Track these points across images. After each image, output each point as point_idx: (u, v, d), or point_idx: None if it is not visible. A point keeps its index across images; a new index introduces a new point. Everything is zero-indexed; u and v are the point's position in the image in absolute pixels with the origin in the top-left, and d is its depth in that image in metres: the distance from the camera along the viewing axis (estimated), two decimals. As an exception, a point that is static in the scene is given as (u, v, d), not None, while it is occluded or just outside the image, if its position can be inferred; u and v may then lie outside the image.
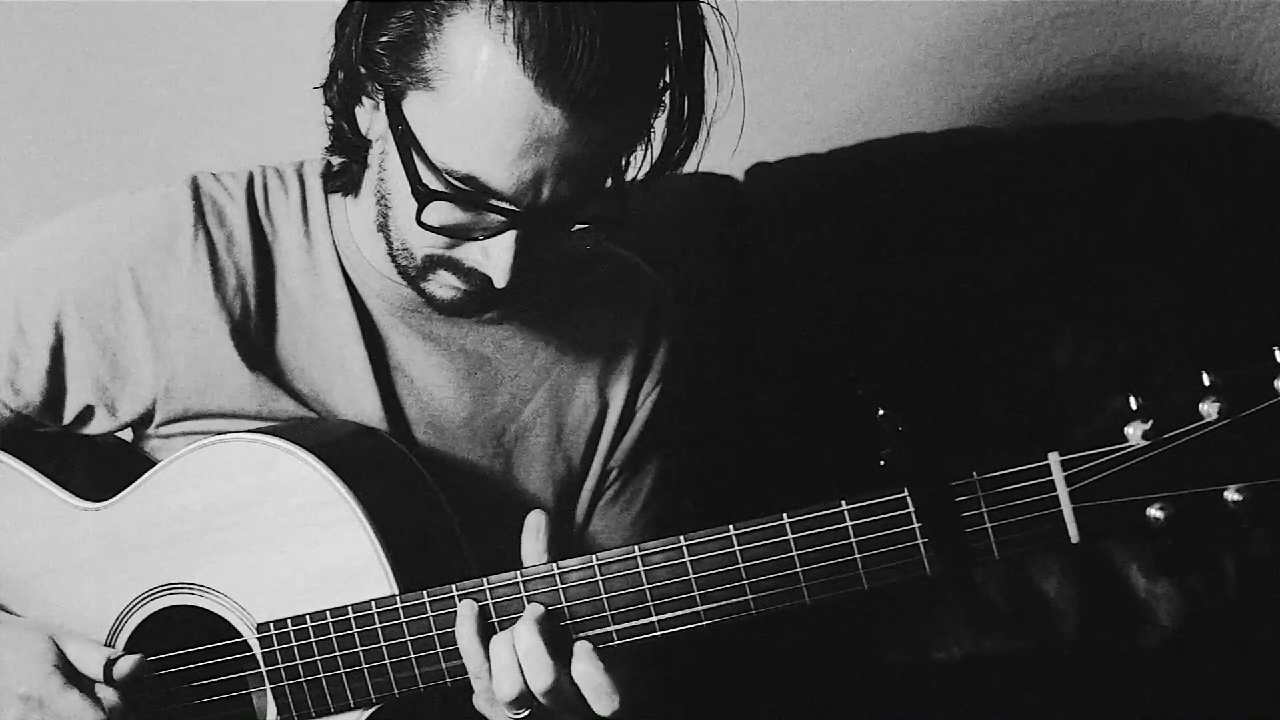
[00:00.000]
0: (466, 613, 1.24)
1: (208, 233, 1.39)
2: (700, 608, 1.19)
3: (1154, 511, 1.06)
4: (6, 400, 1.42)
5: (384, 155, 1.31)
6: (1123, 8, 2.12)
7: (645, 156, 1.32)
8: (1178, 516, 1.05)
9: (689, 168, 1.34)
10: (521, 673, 1.21)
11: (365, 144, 1.34)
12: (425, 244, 1.30)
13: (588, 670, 1.20)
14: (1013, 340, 1.89)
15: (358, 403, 1.41)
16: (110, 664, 1.33)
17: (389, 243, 1.34)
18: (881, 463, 1.07)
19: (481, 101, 1.19)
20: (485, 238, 1.26)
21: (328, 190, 1.43)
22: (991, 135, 2.03)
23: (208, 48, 2.14)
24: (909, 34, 2.13)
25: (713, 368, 1.87)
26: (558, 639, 1.22)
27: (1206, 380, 1.06)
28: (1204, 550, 1.04)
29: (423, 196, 1.24)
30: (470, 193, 1.23)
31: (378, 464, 1.37)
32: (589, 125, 1.20)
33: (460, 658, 1.25)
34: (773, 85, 2.12)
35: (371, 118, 1.32)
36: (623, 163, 1.31)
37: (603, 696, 1.20)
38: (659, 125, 1.32)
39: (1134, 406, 1.07)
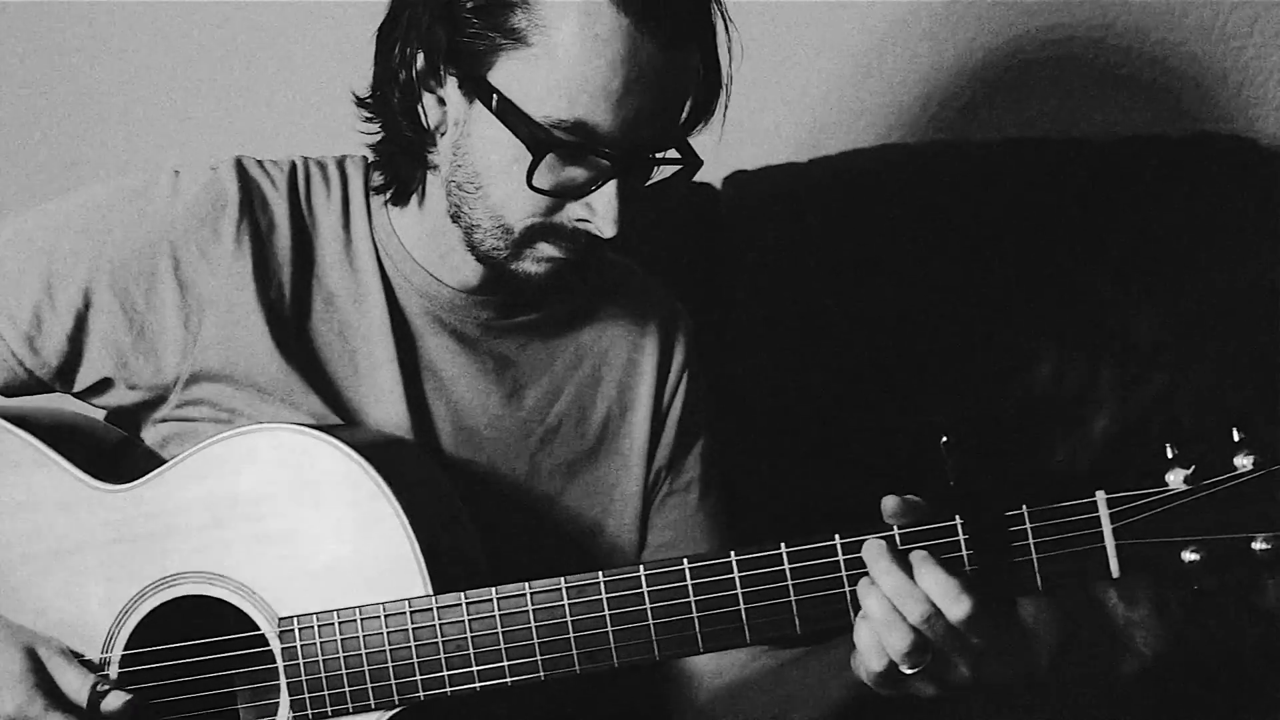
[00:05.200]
0: (880, 548, 1.30)
1: (252, 216, 1.51)
2: (745, 623, 1.34)
3: (1189, 554, 1.25)
4: (22, 358, 1.51)
5: (459, 141, 1.44)
6: (1110, 23, 2.28)
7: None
8: (1209, 560, 1.25)
9: (714, 125, 1.52)
10: (935, 611, 1.28)
11: (428, 142, 1.47)
12: (526, 214, 1.44)
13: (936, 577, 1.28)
14: (994, 355, 2.06)
15: (383, 401, 1.54)
16: (96, 694, 1.42)
17: (469, 231, 1.47)
18: (951, 483, 1.26)
19: (584, 46, 1.36)
20: (596, 187, 1.40)
21: (369, 194, 1.56)
22: (975, 148, 2.18)
23: (244, 38, 2.27)
24: (893, 44, 2.28)
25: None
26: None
27: (1236, 436, 1.26)
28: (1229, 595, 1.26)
29: (541, 146, 1.37)
30: (580, 141, 1.38)
31: (410, 468, 1.48)
32: (678, 60, 1.40)
33: (493, 660, 1.38)
34: (753, 93, 2.23)
35: (440, 111, 1.45)
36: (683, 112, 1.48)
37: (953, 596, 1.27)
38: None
39: (1170, 455, 1.27)
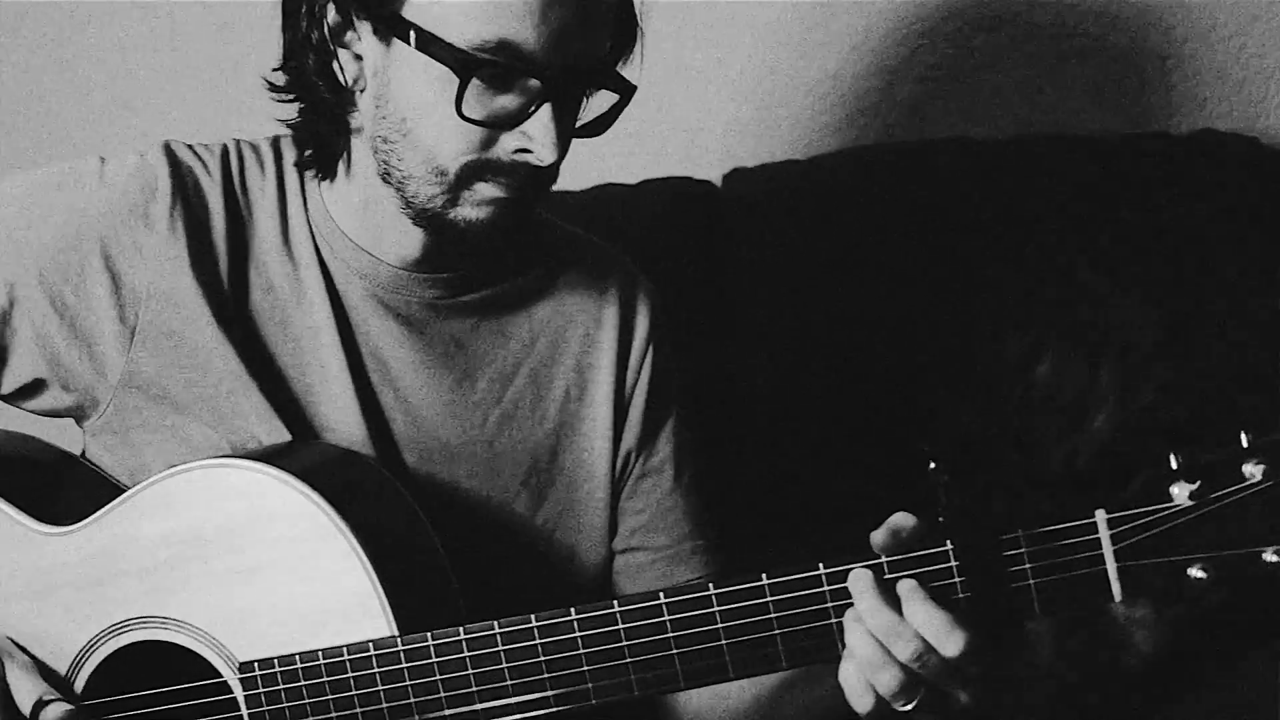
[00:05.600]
0: (866, 581, 1.23)
1: (185, 201, 1.46)
2: (728, 658, 1.28)
3: (1195, 572, 1.18)
4: None
5: (380, 90, 1.39)
6: (1111, 19, 2.25)
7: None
8: (1218, 577, 1.17)
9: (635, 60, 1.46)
10: (927, 648, 1.21)
11: (348, 102, 1.42)
12: (460, 152, 1.37)
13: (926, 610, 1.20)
14: (994, 353, 2.01)
15: (332, 393, 1.48)
16: (40, 704, 1.37)
17: (402, 185, 1.41)
18: (940, 519, 1.19)
19: None
20: (530, 113, 1.35)
21: (303, 177, 1.51)
22: (976, 145, 2.14)
23: (172, 20, 2.22)
24: (894, 40, 2.24)
25: (687, 374, 1.96)
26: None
27: (1245, 441, 1.18)
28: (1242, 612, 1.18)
29: (468, 67, 1.32)
30: (507, 62, 1.32)
31: (368, 493, 1.43)
32: None
33: (464, 703, 1.32)
34: (753, 89, 2.23)
35: (358, 66, 1.40)
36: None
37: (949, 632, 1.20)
38: None
39: (1174, 465, 1.19)
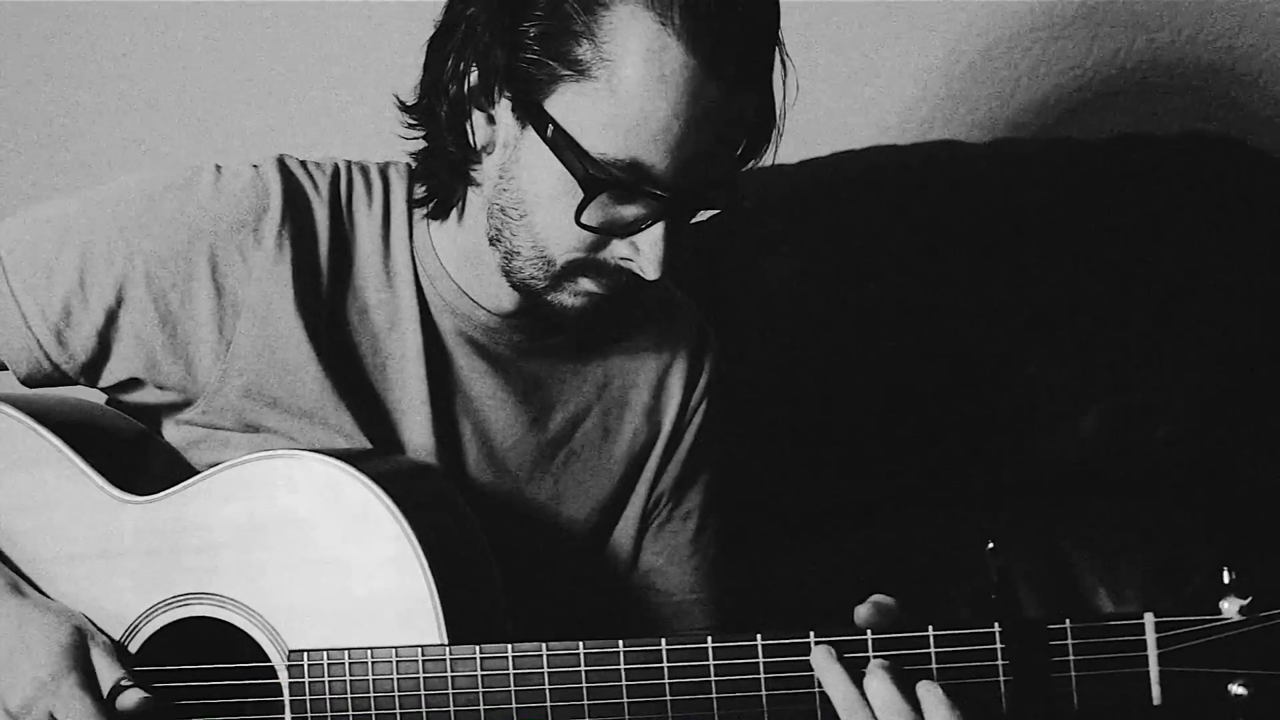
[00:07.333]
0: (826, 658, 1.23)
1: (295, 219, 1.43)
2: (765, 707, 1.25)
3: (1236, 688, 1.16)
4: (49, 351, 1.43)
5: (506, 164, 1.36)
6: (1098, 22, 2.23)
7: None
8: (1258, 696, 1.15)
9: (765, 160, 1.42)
10: None
11: (472, 159, 1.38)
12: (569, 248, 1.35)
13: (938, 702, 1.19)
14: (986, 353, 1.97)
15: (412, 418, 1.46)
16: (117, 689, 1.36)
17: (508, 257, 1.38)
18: (992, 597, 1.15)
19: (648, 85, 1.26)
20: (644, 227, 1.32)
21: (412, 209, 1.47)
22: (964, 149, 2.11)
23: (284, 34, 2.16)
24: (882, 46, 2.21)
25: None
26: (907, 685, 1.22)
27: None
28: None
29: (594, 185, 1.29)
30: (633, 181, 1.29)
31: (435, 504, 1.41)
32: (738, 103, 1.30)
33: (503, 718, 1.28)
34: None
35: (490, 130, 1.36)
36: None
37: None
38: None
39: (1226, 579, 1.17)
